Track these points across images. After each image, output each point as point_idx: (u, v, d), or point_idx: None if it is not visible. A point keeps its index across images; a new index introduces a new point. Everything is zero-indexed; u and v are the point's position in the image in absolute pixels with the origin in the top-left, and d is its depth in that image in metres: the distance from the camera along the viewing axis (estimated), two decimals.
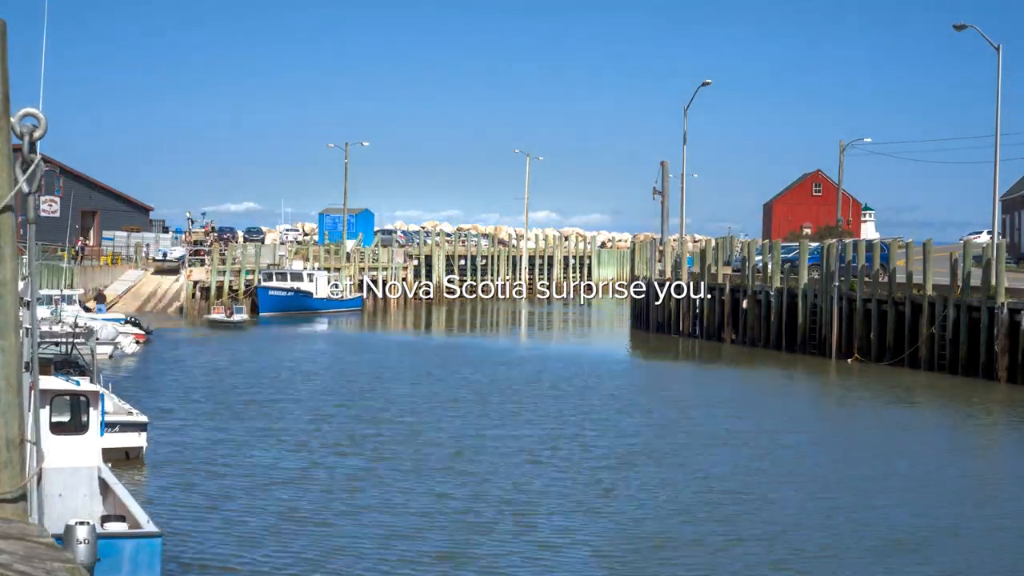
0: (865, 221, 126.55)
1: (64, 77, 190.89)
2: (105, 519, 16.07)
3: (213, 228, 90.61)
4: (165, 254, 79.04)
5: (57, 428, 18.16)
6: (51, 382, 18.33)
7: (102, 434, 18.41)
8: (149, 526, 15.46)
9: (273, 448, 25.94)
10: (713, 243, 61.75)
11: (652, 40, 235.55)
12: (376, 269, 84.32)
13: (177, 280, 72.07)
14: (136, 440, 23.85)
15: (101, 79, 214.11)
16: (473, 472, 22.52)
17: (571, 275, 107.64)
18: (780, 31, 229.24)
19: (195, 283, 71.16)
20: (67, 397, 18.49)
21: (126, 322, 49.20)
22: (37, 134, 11.16)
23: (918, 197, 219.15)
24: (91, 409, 18.23)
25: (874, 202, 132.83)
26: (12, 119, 10.97)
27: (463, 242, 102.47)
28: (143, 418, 24.48)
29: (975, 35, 50.70)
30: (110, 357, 41.48)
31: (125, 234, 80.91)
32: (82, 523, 14.23)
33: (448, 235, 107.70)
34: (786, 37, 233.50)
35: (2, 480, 10.50)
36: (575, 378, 38.81)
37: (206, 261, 74.72)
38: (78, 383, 18.72)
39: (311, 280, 73.59)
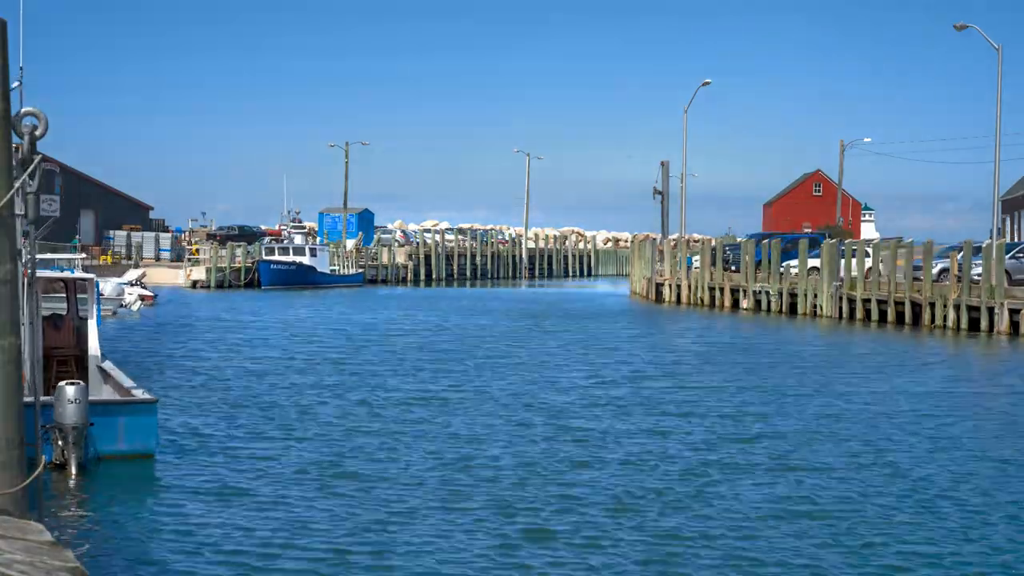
0: (865, 221, 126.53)
1: (64, 76, 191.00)
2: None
3: (237, 230, 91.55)
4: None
5: None
6: (46, 272, 18.51)
7: (99, 323, 18.46)
8: (145, 396, 15.67)
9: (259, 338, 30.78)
10: (713, 243, 61.76)
11: (652, 40, 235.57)
12: (376, 268, 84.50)
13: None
14: None
15: (101, 78, 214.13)
16: None
17: (571, 274, 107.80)
18: (780, 31, 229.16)
19: (195, 282, 71.21)
20: (62, 286, 18.62)
21: (131, 285, 49.61)
22: (38, 133, 11.19)
23: (918, 197, 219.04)
24: (87, 298, 18.31)
25: (874, 202, 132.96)
26: (12, 118, 10.99)
27: (463, 241, 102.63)
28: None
29: (975, 35, 50.75)
30: (114, 314, 41.49)
31: (125, 233, 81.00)
32: (72, 383, 14.28)
33: (448, 232, 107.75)
34: (786, 37, 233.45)
35: (2, 480, 10.51)
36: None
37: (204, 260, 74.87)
38: (72, 271, 18.81)
39: (313, 255, 73.79)
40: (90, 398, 14.59)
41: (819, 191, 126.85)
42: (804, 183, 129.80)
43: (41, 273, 17.49)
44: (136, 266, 73.41)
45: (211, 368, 26.82)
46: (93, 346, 17.95)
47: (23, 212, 10.34)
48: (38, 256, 26.97)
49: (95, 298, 18.22)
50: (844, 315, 46.08)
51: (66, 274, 18.74)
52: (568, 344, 34.21)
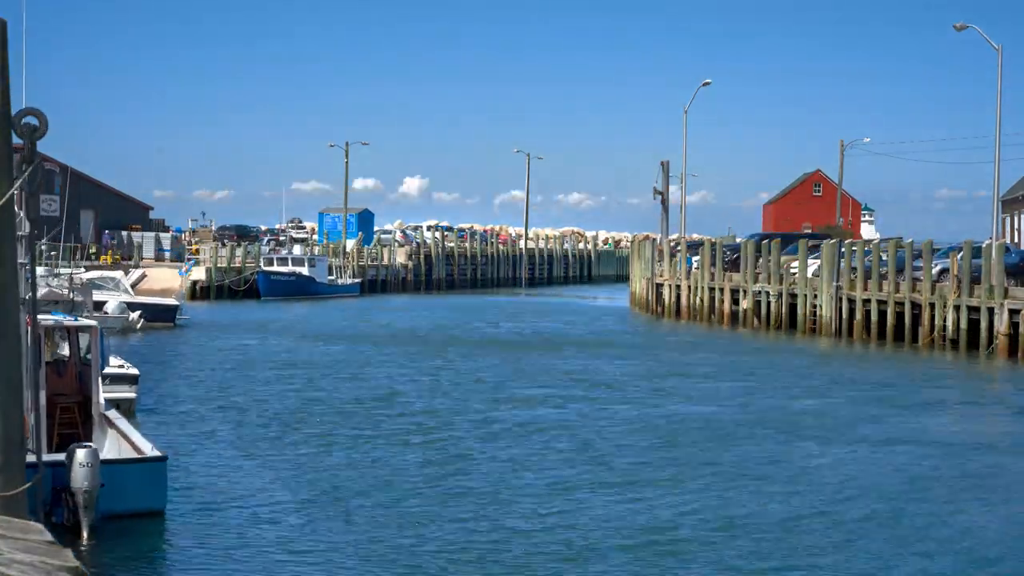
0: (865, 221, 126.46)
1: (63, 75, 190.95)
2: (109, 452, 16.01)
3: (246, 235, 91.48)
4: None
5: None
6: (49, 318, 18.14)
7: (103, 368, 18.14)
8: (153, 452, 15.40)
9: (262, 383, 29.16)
10: (712, 243, 61.68)
11: (652, 40, 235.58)
12: (376, 268, 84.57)
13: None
14: (128, 392, 23.92)
15: (101, 77, 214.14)
16: None
17: (571, 275, 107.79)
18: (780, 31, 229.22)
19: (194, 283, 71.11)
20: (64, 333, 18.39)
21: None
22: (37, 134, 11.19)
23: (918, 197, 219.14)
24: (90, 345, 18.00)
25: (874, 202, 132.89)
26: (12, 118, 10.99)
27: (463, 240, 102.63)
28: (134, 371, 24.66)
29: (975, 35, 50.72)
30: (118, 331, 41.04)
31: (126, 233, 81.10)
32: (83, 446, 14.12)
33: (448, 231, 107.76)
34: (786, 37, 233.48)
35: (2, 480, 10.52)
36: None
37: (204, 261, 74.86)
38: (76, 319, 18.54)
39: (312, 265, 73.75)
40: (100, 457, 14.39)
41: (819, 191, 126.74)
42: (804, 183, 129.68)
43: (43, 319, 17.11)
44: (136, 266, 73.37)
45: (220, 406, 25.69)
46: (97, 394, 17.56)
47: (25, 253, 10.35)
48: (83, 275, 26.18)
49: (99, 345, 17.80)
50: (844, 316, 45.99)
51: (68, 320, 18.40)
52: None
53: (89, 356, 17.94)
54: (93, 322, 18.42)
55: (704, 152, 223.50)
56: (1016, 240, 78.03)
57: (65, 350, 18.50)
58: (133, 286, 68.77)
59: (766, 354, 39.32)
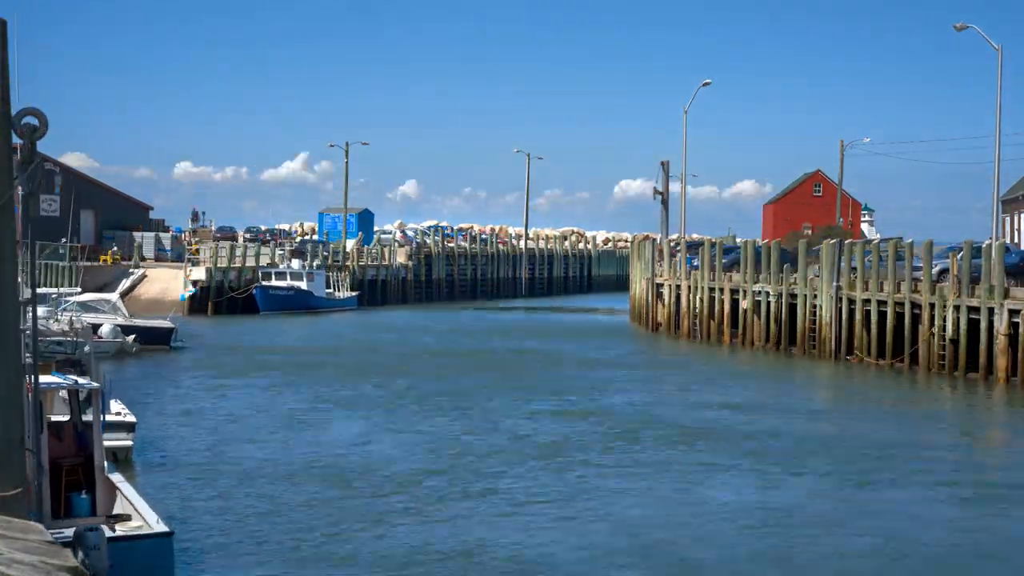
0: (865, 221, 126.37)
1: (63, 75, 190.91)
2: (113, 519, 15.89)
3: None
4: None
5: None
6: (50, 380, 17.82)
7: (103, 431, 18.00)
8: (159, 526, 15.24)
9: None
10: (712, 243, 61.61)
11: (652, 40, 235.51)
12: (376, 268, 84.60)
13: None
14: (124, 440, 23.56)
15: (100, 77, 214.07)
16: None
17: (571, 275, 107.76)
18: (781, 30, 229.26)
19: (194, 283, 71.03)
20: (65, 394, 18.21)
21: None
22: (37, 134, 11.19)
23: (918, 197, 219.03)
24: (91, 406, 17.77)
25: (874, 202, 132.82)
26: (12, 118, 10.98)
27: (463, 240, 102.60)
28: (131, 418, 24.21)
29: (975, 35, 50.70)
30: (112, 355, 40.67)
31: (126, 233, 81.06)
32: (92, 529, 14.07)
33: (448, 233, 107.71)
34: (787, 37, 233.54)
35: (2, 480, 10.52)
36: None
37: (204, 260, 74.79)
38: (76, 381, 18.38)
39: (311, 279, 73.68)
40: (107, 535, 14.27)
41: (819, 191, 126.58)
42: (804, 183, 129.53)
43: (44, 380, 16.79)
44: (137, 267, 73.25)
45: (218, 456, 24.73)
46: (99, 456, 17.20)
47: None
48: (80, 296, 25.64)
49: (100, 407, 17.46)
50: (844, 317, 45.94)
51: (69, 382, 18.08)
52: None
53: (90, 415, 17.50)
54: (96, 384, 17.99)
55: (704, 152, 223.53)
56: (1016, 240, 78.00)
57: (65, 411, 18.27)
58: (133, 287, 68.86)
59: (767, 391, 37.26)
